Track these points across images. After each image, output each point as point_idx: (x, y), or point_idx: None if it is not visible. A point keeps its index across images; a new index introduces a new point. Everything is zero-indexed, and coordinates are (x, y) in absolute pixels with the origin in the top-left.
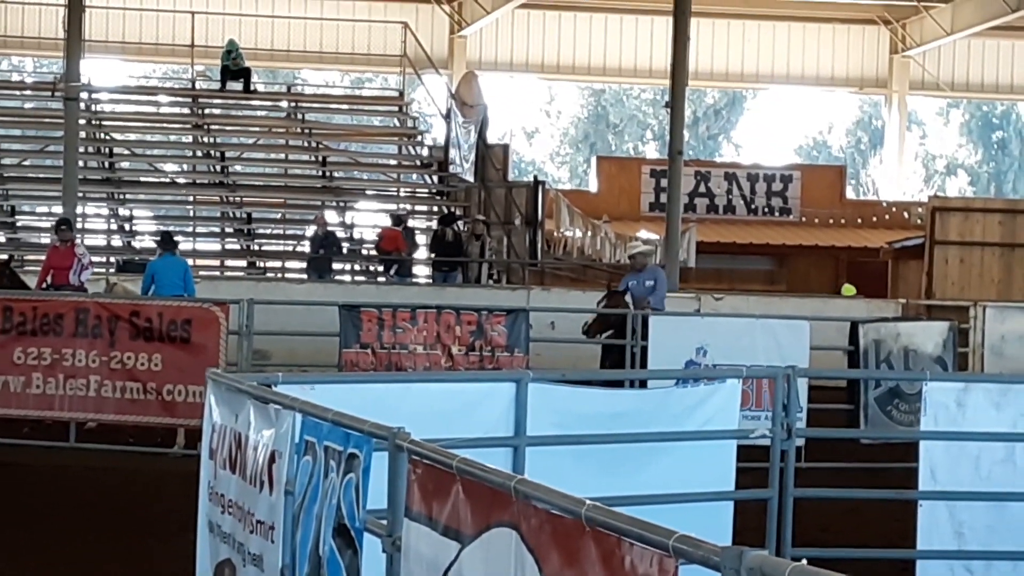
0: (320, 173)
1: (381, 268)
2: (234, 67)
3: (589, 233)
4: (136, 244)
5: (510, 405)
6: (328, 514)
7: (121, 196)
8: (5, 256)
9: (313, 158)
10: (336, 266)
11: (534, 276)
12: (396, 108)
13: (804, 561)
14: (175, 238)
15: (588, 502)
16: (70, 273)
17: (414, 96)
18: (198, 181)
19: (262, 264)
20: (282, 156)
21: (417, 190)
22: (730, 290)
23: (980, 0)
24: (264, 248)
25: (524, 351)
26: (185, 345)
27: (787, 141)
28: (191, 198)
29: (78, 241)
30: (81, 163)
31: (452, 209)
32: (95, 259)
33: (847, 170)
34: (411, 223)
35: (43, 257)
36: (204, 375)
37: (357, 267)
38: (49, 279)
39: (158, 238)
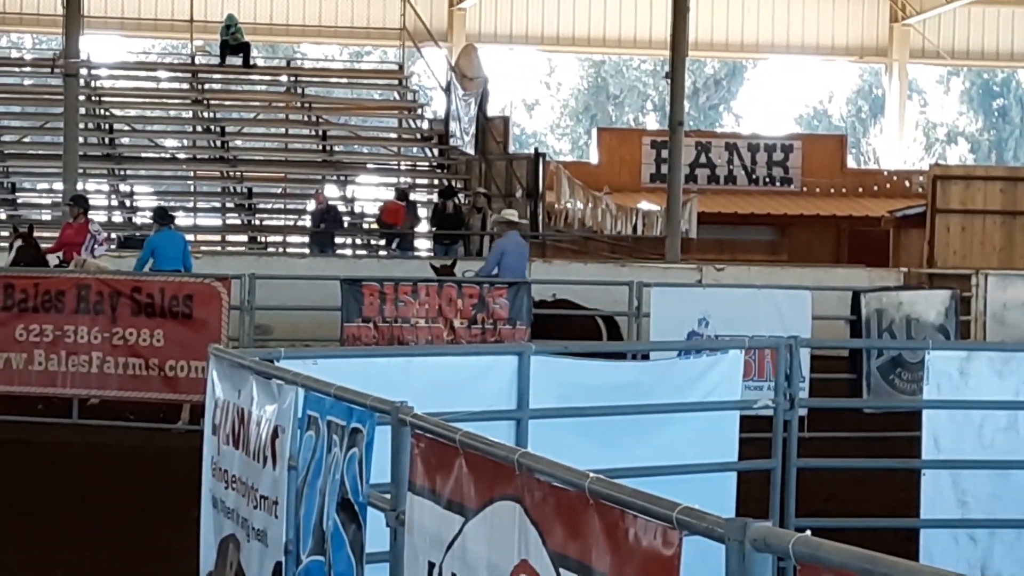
0: (320, 147)
1: (383, 242)
2: (233, 42)
3: (590, 205)
4: (137, 220)
5: (512, 378)
6: (332, 489)
7: (122, 172)
8: (26, 228)
9: (313, 132)
10: (337, 240)
11: (535, 248)
12: (396, 81)
13: (808, 532)
14: (173, 213)
15: (591, 475)
16: (81, 249)
17: (414, 69)
18: (198, 156)
19: (263, 239)
20: (282, 131)
21: (418, 163)
22: (732, 260)
23: None
24: (265, 223)
25: (526, 324)
26: (187, 320)
27: (787, 111)
28: (192, 173)
29: (92, 217)
30: (81, 139)
31: (453, 182)
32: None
33: (848, 139)
34: (412, 196)
35: (44, 234)
36: (206, 350)
37: (358, 241)
38: (61, 255)
39: (154, 213)
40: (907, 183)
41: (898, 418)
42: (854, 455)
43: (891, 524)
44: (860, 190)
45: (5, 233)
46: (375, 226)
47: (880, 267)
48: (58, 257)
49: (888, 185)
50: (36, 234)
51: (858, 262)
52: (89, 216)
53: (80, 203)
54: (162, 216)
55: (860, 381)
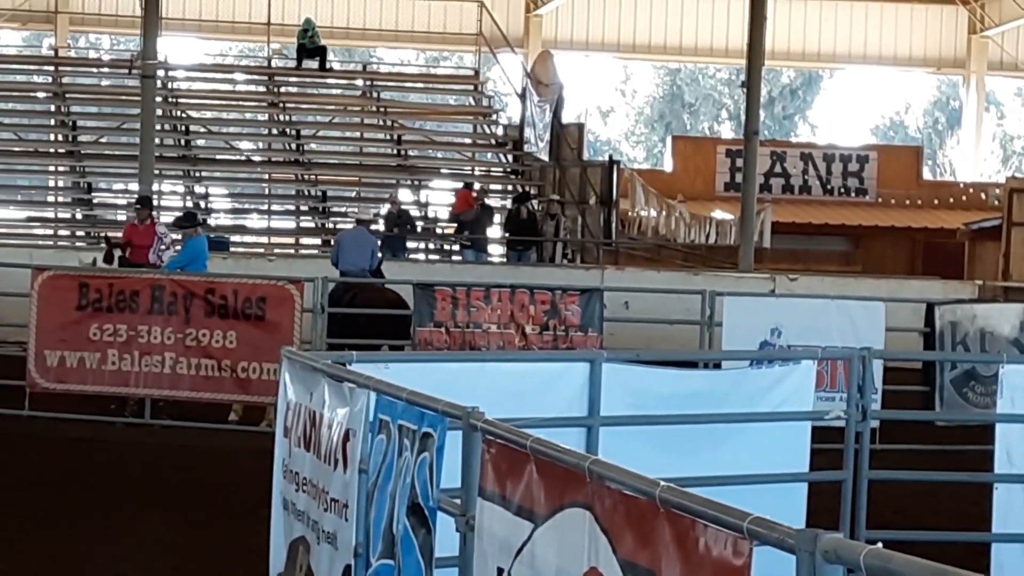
0: (395, 152)
1: (456, 247)
2: (310, 45)
3: (664, 213)
4: (211, 221)
5: (584, 385)
6: (402, 493)
7: (197, 174)
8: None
9: (388, 136)
10: (410, 245)
11: (608, 256)
12: (471, 87)
13: (880, 544)
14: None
15: (662, 483)
16: (149, 252)
17: (489, 75)
18: (273, 159)
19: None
20: (357, 134)
21: (491, 169)
22: (805, 271)
23: None
24: (339, 226)
25: (598, 331)
26: (260, 323)
27: (863, 121)
28: (266, 176)
29: (159, 220)
30: (157, 140)
31: (526, 188)
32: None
33: (924, 151)
34: (487, 201)
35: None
36: (278, 353)
37: (431, 246)
38: (128, 254)
39: (184, 216)
40: (983, 195)
41: (971, 431)
42: (925, 468)
43: (962, 538)
44: (935, 202)
45: (81, 233)
46: (449, 229)
47: (955, 279)
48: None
49: (964, 197)
50: (111, 234)
51: (932, 274)
52: (156, 218)
53: (147, 204)
54: (194, 219)
55: (933, 394)
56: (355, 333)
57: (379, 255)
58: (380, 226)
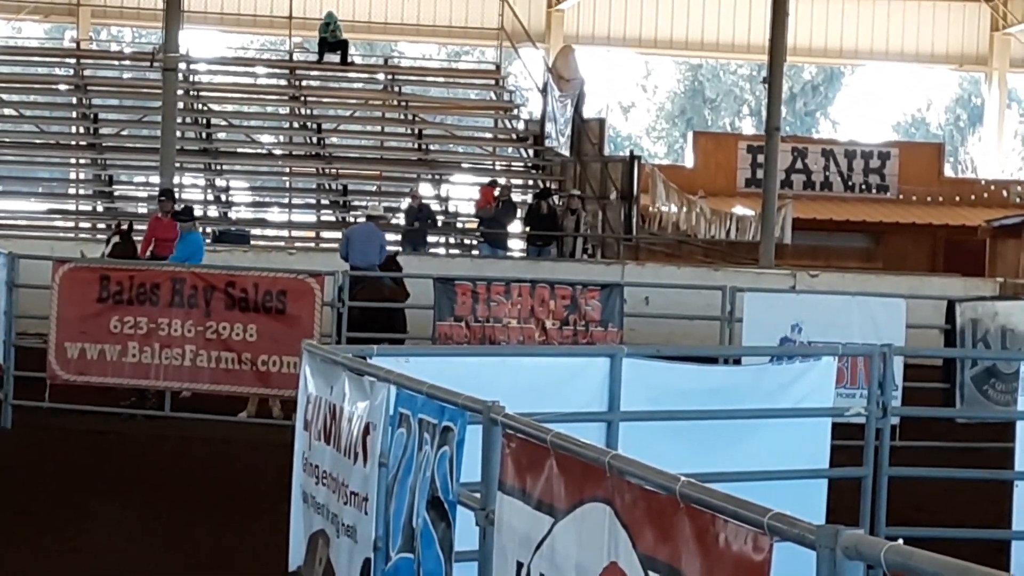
0: (416, 146)
1: (476, 241)
2: (332, 39)
3: (684, 208)
4: (232, 215)
5: (604, 380)
6: (422, 486)
7: (218, 167)
8: (126, 225)
9: (409, 131)
10: (431, 239)
11: (629, 251)
12: (493, 81)
13: (900, 541)
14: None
15: (683, 478)
16: (173, 245)
17: (511, 69)
18: (294, 153)
19: None
20: (378, 128)
21: (513, 164)
22: (826, 267)
23: None
24: (359, 220)
25: (618, 326)
26: (280, 316)
27: (885, 118)
28: (287, 169)
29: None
30: (178, 133)
31: (547, 183)
32: None
33: (945, 148)
34: (511, 197)
35: (140, 227)
36: (299, 346)
37: (451, 240)
38: (151, 250)
39: (182, 210)
40: (1005, 193)
41: (991, 429)
42: (946, 465)
43: (982, 535)
44: (957, 199)
45: (102, 225)
46: (470, 224)
47: (976, 276)
48: (149, 253)
49: (985, 194)
50: (133, 227)
51: (954, 271)
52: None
53: (171, 197)
54: (191, 214)
55: (954, 391)
56: (351, 327)
57: (386, 250)
58: (399, 221)
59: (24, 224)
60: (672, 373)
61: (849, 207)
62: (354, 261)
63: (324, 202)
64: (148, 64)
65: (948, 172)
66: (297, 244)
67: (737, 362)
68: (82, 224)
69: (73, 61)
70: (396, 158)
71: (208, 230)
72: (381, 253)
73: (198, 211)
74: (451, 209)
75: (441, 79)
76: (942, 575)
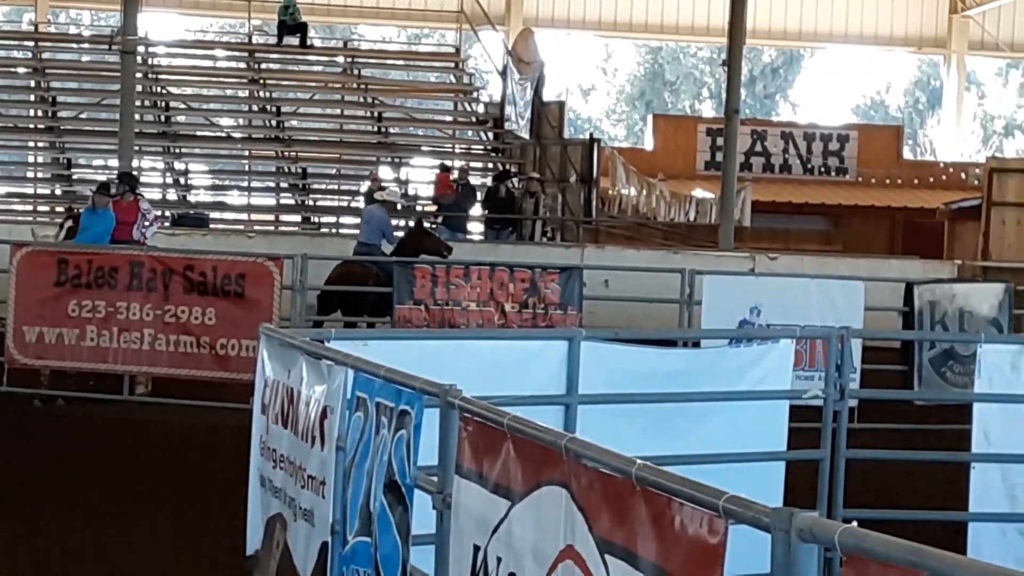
0: (375, 129)
1: (435, 224)
2: (291, 22)
3: (644, 191)
4: (191, 198)
5: (562, 363)
6: (379, 470)
7: (177, 150)
8: (78, 209)
9: (369, 114)
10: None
11: (588, 234)
12: (452, 64)
13: (855, 523)
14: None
15: (639, 461)
16: (133, 228)
17: (470, 52)
18: (254, 136)
19: (316, 219)
20: (338, 112)
21: (472, 147)
22: (785, 250)
23: None
24: (319, 203)
25: (577, 309)
26: (239, 300)
27: (844, 100)
28: (246, 153)
29: (143, 196)
30: (137, 117)
31: (507, 166)
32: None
33: (904, 130)
34: (469, 180)
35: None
36: (257, 330)
37: (411, 223)
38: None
39: (102, 185)
40: (963, 175)
41: (949, 411)
42: (904, 447)
43: (939, 517)
44: (916, 181)
45: (61, 208)
46: (431, 207)
47: (934, 259)
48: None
49: (944, 177)
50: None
51: (912, 253)
52: (139, 194)
53: (128, 180)
54: (108, 189)
55: (912, 373)
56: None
57: (391, 233)
58: (359, 204)
59: None
60: (630, 356)
61: (808, 190)
62: (359, 240)
63: (283, 185)
64: (107, 47)
65: (907, 155)
66: (256, 227)
67: (696, 345)
68: (41, 207)
69: (31, 44)
70: (356, 141)
71: (167, 213)
72: (386, 235)
73: (157, 194)
74: (411, 192)
75: (401, 62)
76: (895, 557)
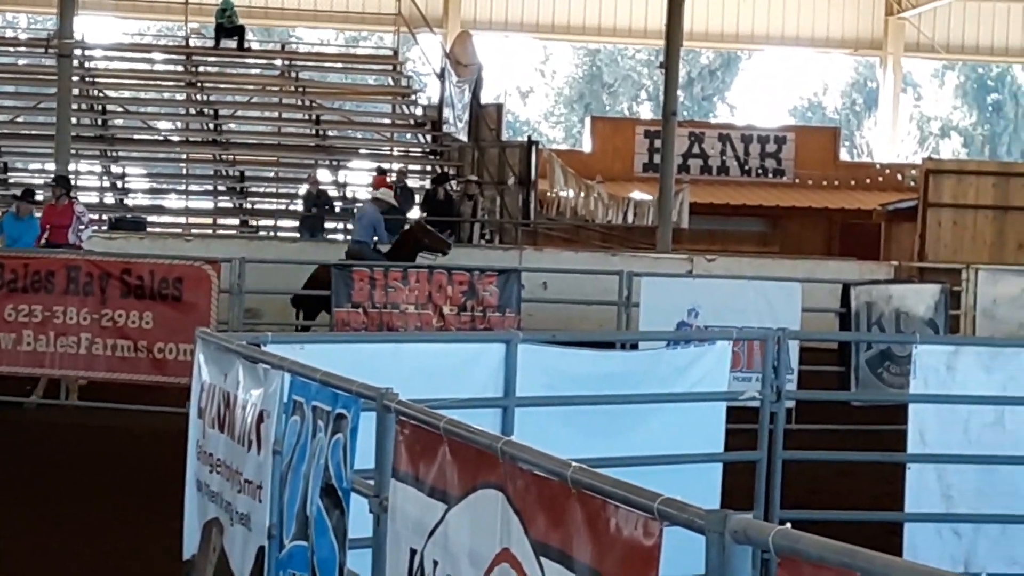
0: (313, 132)
1: None
2: (228, 25)
3: (582, 194)
4: (128, 202)
5: (500, 366)
6: (316, 474)
7: (114, 153)
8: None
9: (307, 117)
10: (328, 225)
11: (527, 236)
12: (390, 67)
13: (788, 525)
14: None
15: (574, 464)
16: (68, 231)
17: (408, 55)
18: (191, 139)
19: (254, 223)
20: (276, 114)
21: (411, 149)
22: (723, 251)
23: None
24: (257, 207)
25: (516, 311)
26: (176, 303)
27: (781, 102)
28: (184, 156)
29: (77, 199)
30: (74, 120)
31: (445, 169)
32: (92, 216)
33: (841, 132)
34: (407, 183)
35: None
36: (195, 333)
37: (349, 226)
38: (46, 237)
39: (24, 191)
40: (900, 176)
41: (886, 411)
42: (841, 448)
43: (876, 517)
44: (852, 183)
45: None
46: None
47: (871, 260)
48: (43, 240)
49: (880, 178)
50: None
51: (849, 255)
52: (74, 197)
53: (63, 184)
54: (32, 196)
55: (848, 374)
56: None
57: (382, 231)
58: (297, 207)
59: None
60: (568, 358)
61: (746, 191)
62: (351, 239)
63: (221, 188)
64: (43, 50)
65: (844, 156)
66: (194, 231)
67: (634, 347)
68: None
69: None
70: (294, 144)
71: (104, 217)
72: (376, 232)
73: (94, 198)
74: (349, 195)
75: (339, 65)
76: (828, 558)
